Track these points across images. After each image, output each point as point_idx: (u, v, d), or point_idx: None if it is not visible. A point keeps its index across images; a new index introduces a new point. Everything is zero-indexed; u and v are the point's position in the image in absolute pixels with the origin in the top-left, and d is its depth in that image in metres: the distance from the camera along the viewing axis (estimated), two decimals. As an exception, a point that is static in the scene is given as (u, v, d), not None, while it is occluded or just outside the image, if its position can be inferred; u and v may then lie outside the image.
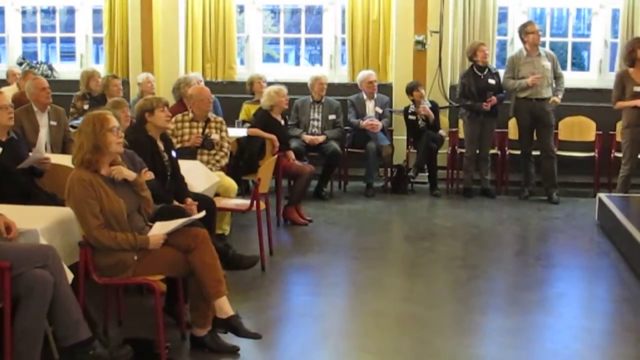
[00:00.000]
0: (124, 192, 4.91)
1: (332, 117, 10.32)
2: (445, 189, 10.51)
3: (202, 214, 5.39)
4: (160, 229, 4.94)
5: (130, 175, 4.97)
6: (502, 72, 10.29)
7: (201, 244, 4.89)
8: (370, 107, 10.52)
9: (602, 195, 8.75)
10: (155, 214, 5.21)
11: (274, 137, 8.73)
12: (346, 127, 10.56)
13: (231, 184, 7.61)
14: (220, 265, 4.96)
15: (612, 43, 11.26)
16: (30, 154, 5.87)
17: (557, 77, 10.07)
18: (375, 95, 10.59)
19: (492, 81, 10.13)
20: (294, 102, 10.23)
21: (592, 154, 10.49)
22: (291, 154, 9.05)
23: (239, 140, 8.76)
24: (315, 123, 10.27)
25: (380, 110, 10.52)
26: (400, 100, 10.84)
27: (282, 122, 9.16)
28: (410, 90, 10.42)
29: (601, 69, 11.34)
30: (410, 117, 10.43)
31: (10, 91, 8.64)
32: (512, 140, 10.60)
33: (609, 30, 11.33)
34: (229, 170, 8.10)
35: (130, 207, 4.92)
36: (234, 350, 4.99)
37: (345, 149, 10.51)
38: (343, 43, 11.71)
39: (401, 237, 8.77)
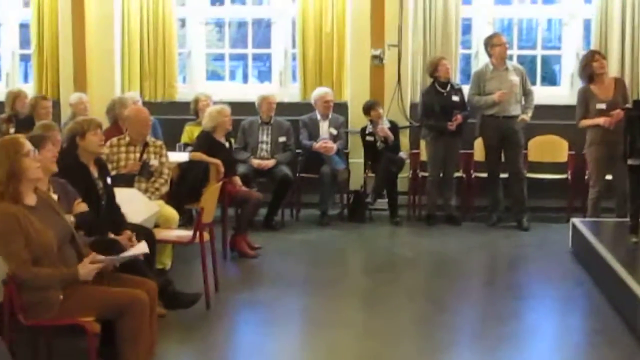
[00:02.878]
0: (53, 221, 4.84)
1: (282, 139, 10.32)
2: (407, 216, 10.55)
3: (145, 248, 5.36)
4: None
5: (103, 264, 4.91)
6: (465, 88, 10.38)
7: (139, 311, 4.80)
8: (324, 127, 10.53)
9: (576, 220, 8.83)
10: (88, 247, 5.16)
11: (218, 161, 8.68)
12: (298, 150, 10.57)
13: (172, 213, 7.60)
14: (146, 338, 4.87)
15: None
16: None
17: (527, 94, 10.16)
18: (330, 115, 10.60)
19: (456, 98, 10.21)
20: (240, 123, 10.24)
21: (564, 175, 10.58)
22: (237, 180, 9.03)
23: (180, 165, 8.73)
24: (264, 146, 10.26)
25: (334, 132, 10.53)
26: (357, 119, 10.89)
27: (227, 144, 9.15)
28: (368, 109, 10.46)
29: (573, 84, 11.14)
30: (368, 138, 10.47)
31: None
32: (478, 161, 10.65)
33: (581, 42, 11.38)
34: (170, 198, 8.07)
35: (60, 238, 4.84)
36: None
37: (297, 174, 10.50)
38: (294, 58, 11.69)
39: (359, 269, 8.81)
